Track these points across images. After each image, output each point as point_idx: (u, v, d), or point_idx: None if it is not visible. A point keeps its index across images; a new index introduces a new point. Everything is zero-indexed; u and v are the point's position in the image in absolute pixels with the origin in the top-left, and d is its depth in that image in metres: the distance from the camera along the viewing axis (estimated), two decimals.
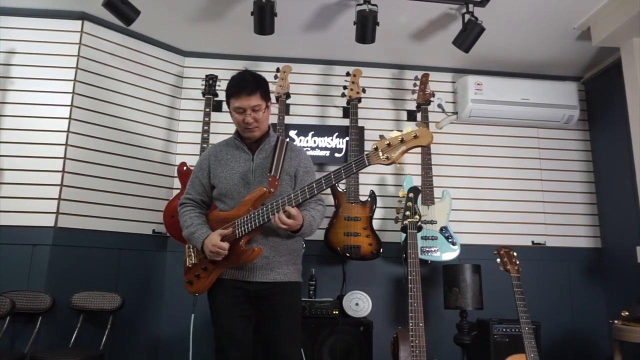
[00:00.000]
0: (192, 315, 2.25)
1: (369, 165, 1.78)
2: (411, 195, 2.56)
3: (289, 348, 2.00)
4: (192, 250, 2.10)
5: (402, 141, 1.75)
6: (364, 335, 2.95)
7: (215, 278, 2.02)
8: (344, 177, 1.83)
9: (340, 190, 3.30)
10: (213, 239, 1.93)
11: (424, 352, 2.27)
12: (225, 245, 1.92)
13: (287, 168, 2.07)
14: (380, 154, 1.75)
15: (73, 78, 3.20)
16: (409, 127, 1.77)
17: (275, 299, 2.00)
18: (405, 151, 1.77)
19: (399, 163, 1.79)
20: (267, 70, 3.66)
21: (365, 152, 1.80)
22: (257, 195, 1.95)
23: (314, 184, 1.86)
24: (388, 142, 1.75)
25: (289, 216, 1.85)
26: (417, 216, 2.53)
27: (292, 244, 2.08)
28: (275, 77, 3.50)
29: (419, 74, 3.64)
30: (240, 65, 3.82)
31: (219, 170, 2.09)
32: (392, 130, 1.80)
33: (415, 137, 1.74)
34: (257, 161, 2.07)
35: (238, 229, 1.93)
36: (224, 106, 3.75)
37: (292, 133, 3.63)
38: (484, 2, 2.96)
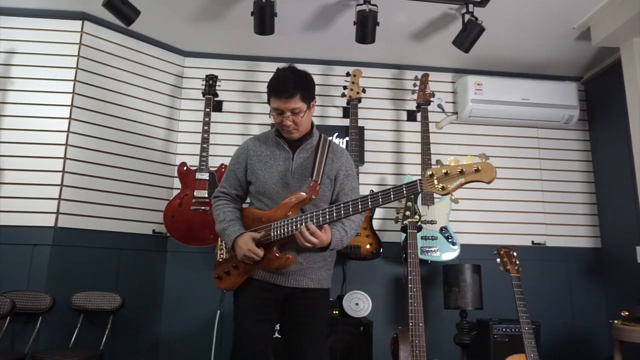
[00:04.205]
0: (218, 312, 2.27)
1: (421, 192, 1.70)
2: (411, 195, 2.56)
3: (312, 355, 1.92)
4: (224, 244, 2.03)
5: (461, 172, 1.61)
6: (364, 335, 2.95)
7: (245, 277, 1.95)
8: (392, 199, 1.71)
9: None
10: (248, 242, 1.85)
11: (424, 352, 2.27)
12: (260, 252, 1.85)
13: (328, 171, 1.98)
14: (436, 182, 1.62)
15: (73, 78, 3.20)
16: (471, 157, 1.63)
17: (304, 304, 1.94)
18: (463, 184, 1.63)
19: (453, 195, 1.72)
20: (267, 71, 3.67)
21: (420, 179, 1.68)
22: (296, 200, 1.87)
23: (349, 204, 1.77)
24: (446, 170, 1.62)
25: (312, 234, 1.77)
26: (417, 216, 2.53)
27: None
28: None
29: (419, 74, 3.64)
30: (240, 65, 3.82)
31: (257, 166, 2.00)
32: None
33: (477, 170, 1.60)
34: (297, 161, 1.98)
35: (274, 233, 1.86)
36: (224, 106, 3.76)
37: None
38: (484, 2, 2.97)
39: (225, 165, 3.23)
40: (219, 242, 2.07)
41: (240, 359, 1.90)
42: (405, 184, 1.70)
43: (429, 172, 1.64)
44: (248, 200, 2.13)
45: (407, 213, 2.53)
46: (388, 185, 3.68)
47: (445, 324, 3.34)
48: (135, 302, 3.25)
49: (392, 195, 1.71)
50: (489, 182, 1.62)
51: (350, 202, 1.78)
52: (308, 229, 1.76)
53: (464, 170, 1.61)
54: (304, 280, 1.93)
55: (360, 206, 1.76)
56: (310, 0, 3.07)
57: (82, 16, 3.27)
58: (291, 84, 1.87)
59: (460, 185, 1.62)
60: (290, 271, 1.91)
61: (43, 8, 3.24)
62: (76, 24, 3.27)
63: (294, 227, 1.82)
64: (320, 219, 1.79)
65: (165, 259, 3.52)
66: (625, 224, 3.45)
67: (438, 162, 1.67)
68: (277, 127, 2.00)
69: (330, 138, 2.10)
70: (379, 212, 3.53)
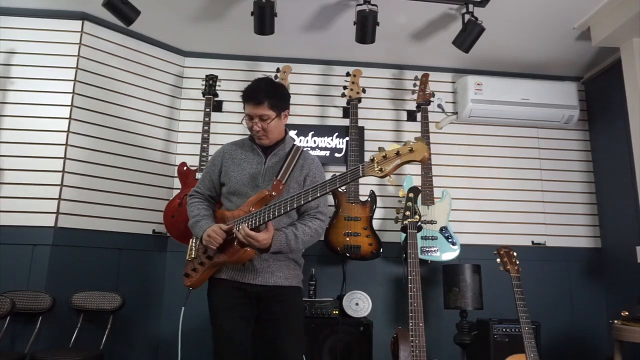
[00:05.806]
0: (183, 308, 2.29)
1: (364, 176, 1.74)
2: (411, 195, 2.56)
3: (290, 350, 1.98)
4: (194, 243, 2.12)
5: (397, 154, 1.67)
6: (364, 335, 2.95)
7: (210, 274, 2.04)
8: (338, 186, 1.79)
9: (341, 190, 3.30)
10: (215, 228, 1.96)
11: (424, 352, 2.27)
12: (223, 233, 1.94)
13: (297, 176, 2.06)
14: (375, 165, 1.69)
15: (73, 78, 3.20)
16: (409, 141, 1.69)
17: (276, 301, 2.00)
18: (400, 165, 1.69)
19: (391, 177, 1.73)
20: (267, 71, 3.67)
21: (362, 163, 1.75)
22: (258, 197, 1.95)
23: (301, 194, 1.83)
24: (385, 154, 1.69)
25: (247, 235, 1.83)
26: (417, 216, 2.53)
27: None
28: (275, 77, 3.50)
29: (419, 74, 3.64)
30: (240, 65, 3.83)
31: (230, 168, 2.11)
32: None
33: (411, 150, 1.66)
34: (268, 165, 2.08)
35: (235, 227, 1.93)
36: (224, 106, 3.76)
37: (292, 133, 3.63)
38: (484, 2, 2.97)
39: None
40: (191, 242, 2.14)
41: (223, 357, 1.98)
42: (350, 170, 1.77)
43: (371, 157, 1.71)
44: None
45: (407, 213, 2.53)
46: (388, 185, 3.70)
47: (445, 324, 3.34)
48: (135, 302, 3.25)
49: (337, 182, 1.79)
50: (420, 161, 1.67)
51: (302, 193, 1.84)
52: (243, 229, 1.84)
53: (399, 152, 1.67)
54: (271, 278, 2.00)
55: (310, 196, 1.83)
56: (310, 0, 3.07)
57: (82, 16, 3.27)
58: (261, 92, 2.00)
59: (397, 167, 1.68)
60: (257, 269, 1.99)
61: (43, 8, 3.24)
62: (76, 24, 3.27)
63: (253, 220, 1.90)
64: (276, 212, 1.86)
65: (165, 259, 3.52)
66: (625, 224, 3.45)
67: (380, 148, 1.73)
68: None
69: (303, 148, 2.21)
70: (379, 212, 3.53)
